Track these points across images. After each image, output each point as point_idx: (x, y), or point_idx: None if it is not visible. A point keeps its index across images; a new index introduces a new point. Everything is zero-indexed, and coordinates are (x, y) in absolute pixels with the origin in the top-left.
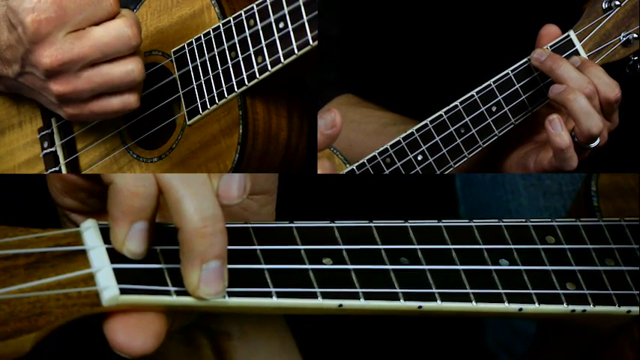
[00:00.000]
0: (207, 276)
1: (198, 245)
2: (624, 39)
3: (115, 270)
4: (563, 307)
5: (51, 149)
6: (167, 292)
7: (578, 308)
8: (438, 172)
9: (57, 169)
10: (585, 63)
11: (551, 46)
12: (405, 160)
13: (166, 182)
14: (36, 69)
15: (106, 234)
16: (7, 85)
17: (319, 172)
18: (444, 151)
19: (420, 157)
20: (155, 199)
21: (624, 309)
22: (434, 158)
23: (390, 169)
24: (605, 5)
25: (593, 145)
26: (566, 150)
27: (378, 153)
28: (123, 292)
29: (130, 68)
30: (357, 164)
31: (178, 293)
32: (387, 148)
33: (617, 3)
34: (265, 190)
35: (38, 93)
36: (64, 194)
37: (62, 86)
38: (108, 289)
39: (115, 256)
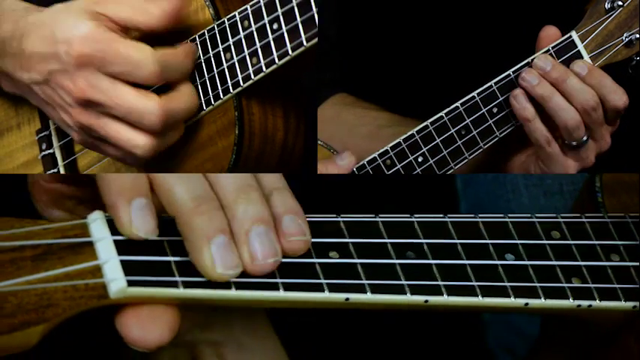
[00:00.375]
0: (218, 252)
1: (198, 224)
2: (627, 39)
3: (123, 262)
4: (569, 302)
5: (49, 151)
6: (175, 284)
7: (584, 303)
8: (439, 174)
9: (55, 170)
10: (592, 71)
11: (553, 47)
12: (406, 161)
13: (154, 176)
14: (63, 90)
15: (113, 225)
16: (17, 87)
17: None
18: (445, 152)
19: (420, 159)
20: (145, 177)
21: (630, 304)
22: (434, 160)
23: (390, 171)
24: (607, 6)
25: (576, 142)
26: (534, 128)
27: (379, 155)
28: (130, 284)
29: (137, 142)
30: (357, 166)
31: (186, 285)
32: (387, 149)
33: (620, 3)
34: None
35: (52, 108)
36: (50, 206)
37: (83, 117)
38: (115, 281)
39: (122, 248)
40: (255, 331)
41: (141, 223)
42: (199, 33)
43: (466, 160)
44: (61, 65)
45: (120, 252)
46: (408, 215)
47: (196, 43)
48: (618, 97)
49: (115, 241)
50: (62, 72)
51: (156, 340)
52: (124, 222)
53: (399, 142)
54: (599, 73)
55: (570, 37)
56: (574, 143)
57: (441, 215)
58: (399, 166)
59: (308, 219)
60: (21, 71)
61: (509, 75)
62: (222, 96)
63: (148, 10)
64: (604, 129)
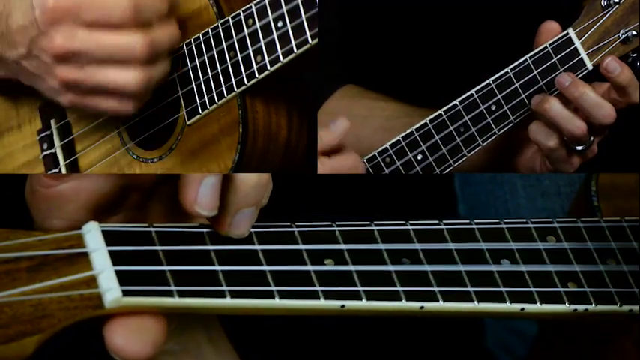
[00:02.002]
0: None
1: (243, 192)
2: (623, 36)
3: (118, 272)
4: (565, 307)
5: (50, 151)
6: (170, 294)
7: (580, 307)
8: (438, 172)
9: (57, 170)
10: (623, 70)
11: (550, 44)
12: (405, 159)
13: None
14: (44, 52)
15: (107, 236)
16: (8, 69)
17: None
18: (444, 150)
19: (419, 157)
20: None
21: (626, 308)
22: (434, 158)
23: (389, 169)
24: (604, 3)
25: (580, 147)
26: (556, 149)
27: (378, 153)
28: (125, 293)
29: (128, 78)
30: None
31: (181, 294)
32: (386, 147)
33: (616, 0)
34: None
35: (40, 78)
36: (50, 216)
37: (67, 73)
38: (110, 291)
39: (117, 258)
40: (212, 339)
41: (204, 200)
42: (203, 32)
43: (465, 158)
44: (38, 29)
45: (115, 262)
46: (404, 222)
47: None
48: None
49: (110, 252)
50: (40, 35)
51: (137, 352)
52: (190, 198)
53: (399, 140)
54: (629, 72)
55: (567, 34)
56: (581, 148)
57: (437, 222)
58: (398, 163)
59: (303, 227)
60: (9, 50)
61: (506, 72)
62: (225, 94)
63: None
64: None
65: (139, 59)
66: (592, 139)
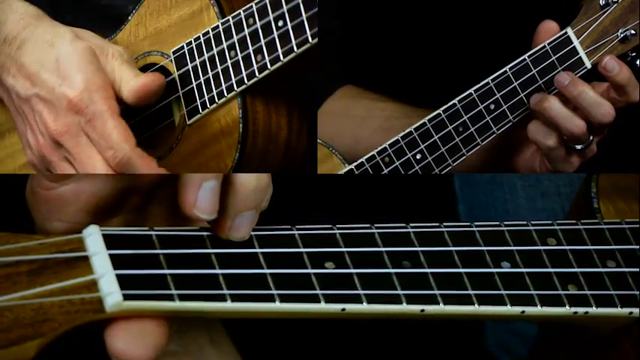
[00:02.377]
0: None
1: (243, 195)
2: (622, 35)
3: (118, 276)
4: (566, 309)
5: None
6: (170, 297)
7: (581, 310)
8: (437, 171)
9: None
10: (622, 69)
11: (548, 44)
12: (404, 159)
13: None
14: (41, 120)
15: (108, 240)
16: None
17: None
18: (443, 149)
19: (418, 156)
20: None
21: (626, 310)
22: (433, 157)
23: (388, 169)
24: (602, 2)
25: (580, 146)
26: (555, 148)
27: (377, 152)
28: (126, 297)
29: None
30: (355, 164)
31: (182, 298)
32: (385, 147)
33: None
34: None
35: (24, 124)
36: (50, 218)
37: (49, 153)
38: (111, 295)
39: (118, 262)
40: (215, 341)
41: (204, 204)
42: (203, 31)
43: (464, 157)
44: (50, 97)
45: (115, 266)
46: (404, 225)
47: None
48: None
49: (111, 255)
50: (48, 103)
51: (138, 356)
52: (190, 201)
53: (398, 139)
54: (628, 71)
55: (566, 33)
56: (580, 146)
57: (437, 224)
58: (397, 163)
59: (304, 230)
60: (8, 75)
61: (505, 72)
62: (226, 94)
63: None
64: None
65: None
66: (591, 138)
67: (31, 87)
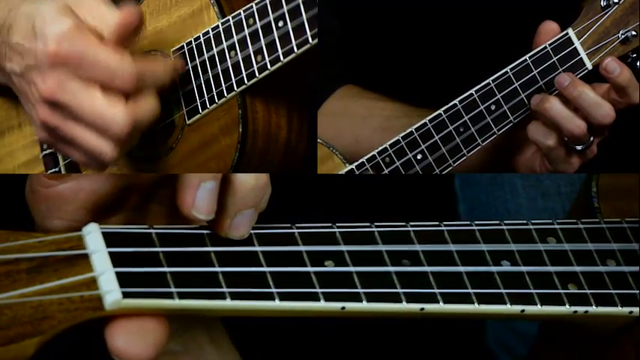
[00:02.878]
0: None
1: (242, 193)
2: (623, 36)
3: (118, 274)
4: (566, 308)
5: (50, 150)
6: (170, 295)
7: (580, 309)
8: (438, 171)
9: (56, 170)
10: (623, 70)
11: (549, 44)
12: (405, 159)
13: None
14: (35, 86)
15: (108, 238)
16: (1, 75)
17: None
18: (444, 150)
19: (419, 157)
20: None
21: (626, 309)
22: (433, 157)
23: (389, 169)
24: (603, 3)
25: (580, 147)
26: (555, 148)
27: (378, 152)
28: (125, 295)
29: (102, 148)
30: (356, 164)
31: (181, 296)
32: (386, 147)
33: (616, 0)
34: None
35: (26, 100)
36: (50, 216)
37: (48, 116)
38: (110, 292)
39: (117, 259)
40: (214, 340)
41: (202, 205)
42: (204, 31)
43: (465, 158)
44: (35, 61)
45: (115, 264)
46: (404, 223)
47: (184, 53)
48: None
49: (110, 253)
50: (36, 68)
51: (138, 354)
52: (188, 202)
53: (398, 139)
54: (629, 72)
55: (567, 34)
56: (581, 147)
57: (437, 223)
58: (397, 163)
59: (303, 228)
60: (4, 60)
61: (506, 72)
62: (226, 94)
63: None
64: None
65: (117, 136)
66: (592, 139)
67: (22, 60)
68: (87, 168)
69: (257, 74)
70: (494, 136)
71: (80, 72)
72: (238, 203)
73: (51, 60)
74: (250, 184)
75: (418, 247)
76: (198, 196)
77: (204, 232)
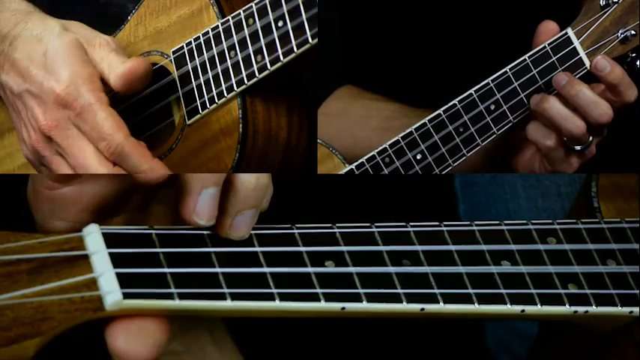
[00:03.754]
0: (204, 201)
1: (243, 194)
2: (622, 36)
3: (118, 274)
4: (566, 308)
5: None
6: (170, 296)
7: (581, 309)
8: (437, 172)
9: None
10: (614, 68)
11: (549, 44)
12: (404, 159)
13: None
14: (32, 115)
15: (108, 238)
16: None
17: None
18: (443, 150)
19: (419, 157)
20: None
21: (626, 309)
22: (433, 157)
23: (389, 169)
24: (602, 2)
25: (580, 147)
26: (555, 148)
27: (377, 152)
28: (126, 296)
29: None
30: (356, 164)
31: (182, 297)
32: (385, 147)
33: (615, 0)
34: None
35: (18, 119)
36: (51, 217)
37: (41, 147)
38: (111, 293)
39: (117, 260)
40: (217, 340)
41: (203, 211)
42: (203, 32)
43: (464, 158)
44: (39, 91)
45: (115, 265)
46: (404, 224)
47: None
48: (632, 92)
49: (111, 254)
50: (38, 98)
51: (139, 354)
52: (189, 208)
53: (398, 139)
54: (619, 70)
55: (566, 33)
56: (580, 148)
57: (437, 223)
58: (397, 163)
59: (304, 229)
60: (2, 72)
61: (505, 72)
62: (225, 94)
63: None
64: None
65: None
66: (591, 139)
67: (22, 83)
68: None
69: (257, 74)
70: (494, 136)
71: (77, 122)
72: (239, 203)
73: (57, 101)
74: (251, 184)
75: (418, 248)
76: (200, 202)
77: (205, 232)
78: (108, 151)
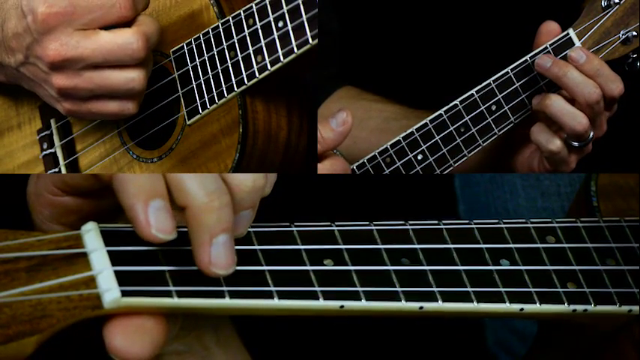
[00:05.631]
0: (217, 250)
1: (207, 219)
2: (623, 37)
3: (117, 272)
4: (565, 307)
5: (50, 150)
6: (169, 294)
7: (580, 308)
8: (438, 172)
9: (57, 170)
10: (590, 59)
11: (550, 45)
12: (405, 159)
13: (169, 175)
14: (40, 60)
15: (107, 236)
16: (8, 75)
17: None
18: (444, 150)
19: (420, 157)
20: (161, 178)
21: (625, 308)
22: (434, 157)
23: (390, 169)
24: (604, 3)
25: (582, 143)
26: (557, 152)
27: (378, 153)
28: (124, 294)
29: (130, 77)
30: (357, 164)
31: (180, 295)
32: (387, 147)
33: (617, 1)
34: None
35: (39, 85)
36: (51, 220)
37: (63, 81)
38: (109, 291)
39: (116, 258)
40: (222, 341)
41: (160, 225)
42: (203, 32)
43: (465, 158)
44: (32, 36)
45: (114, 262)
46: (403, 222)
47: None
48: (615, 86)
49: (109, 252)
50: (34, 42)
51: (137, 353)
52: (142, 224)
53: (399, 139)
54: (594, 59)
55: (567, 34)
56: (580, 144)
57: (436, 222)
58: (398, 163)
59: (303, 227)
60: (7, 56)
61: (507, 73)
62: (226, 94)
63: None
64: (603, 116)
65: (137, 58)
66: (591, 135)
67: (21, 45)
68: (119, 116)
69: (257, 74)
70: (495, 136)
71: (76, 23)
72: (236, 205)
73: (43, 26)
74: (248, 186)
75: (417, 246)
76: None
77: None
78: (123, 13)
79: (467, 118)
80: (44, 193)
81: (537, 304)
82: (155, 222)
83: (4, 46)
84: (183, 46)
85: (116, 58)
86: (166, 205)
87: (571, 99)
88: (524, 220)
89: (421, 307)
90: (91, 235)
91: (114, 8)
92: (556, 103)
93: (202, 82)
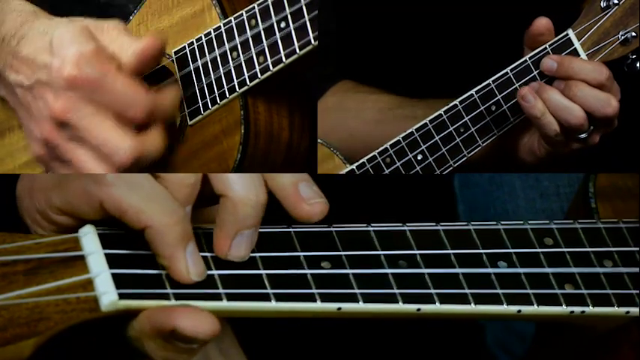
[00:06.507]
0: (239, 241)
1: (242, 211)
2: (623, 37)
3: (114, 275)
4: (562, 309)
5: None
6: (166, 297)
7: (577, 309)
8: (438, 172)
9: None
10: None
11: (550, 45)
12: (405, 159)
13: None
14: (43, 103)
15: (104, 239)
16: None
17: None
18: (444, 150)
19: (419, 157)
20: (188, 218)
21: (623, 310)
22: (433, 158)
23: (389, 169)
24: (603, 4)
25: (583, 134)
26: (544, 123)
27: (378, 153)
28: (122, 297)
29: (101, 172)
30: (357, 164)
31: (177, 297)
32: (386, 147)
33: (616, 2)
34: None
35: (26, 115)
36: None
37: (52, 134)
38: (106, 294)
39: (113, 261)
40: (224, 351)
41: (197, 270)
42: (205, 32)
43: (465, 158)
44: (49, 78)
45: (111, 265)
46: (401, 224)
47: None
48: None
49: (106, 255)
50: (48, 85)
51: (207, 329)
52: (182, 273)
53: (399, 139)
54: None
55: (567, 34)
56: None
57: (434, 224)
58: (398, 163)
59: (300, 229)
60: (10, 70)
61: (506, 73)
62: (227, 95)
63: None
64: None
65: (118, 165)
66: (592, 127)
67: (32, 74)
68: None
69: (259, 75)
70: (495, 136)
71: (95, 97)
72: (239, 223)
73: (67, 82)
74: (251, 201)
75: (415, 250)
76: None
77: (201, 232)
78: (141, 114)
79: (466, 119)
80: (44, 208)
81: (535, 306)
82: (193, 268)
83: (11, 61)
84: (185, 46)
85: (102, 153)
86: (196, 246)
87: (568, 93)
88: (521, 222)
89: (419, 309)
90: (89, 238)
91: (131, 107)
92: (552, 97)
93: (204, 82)
